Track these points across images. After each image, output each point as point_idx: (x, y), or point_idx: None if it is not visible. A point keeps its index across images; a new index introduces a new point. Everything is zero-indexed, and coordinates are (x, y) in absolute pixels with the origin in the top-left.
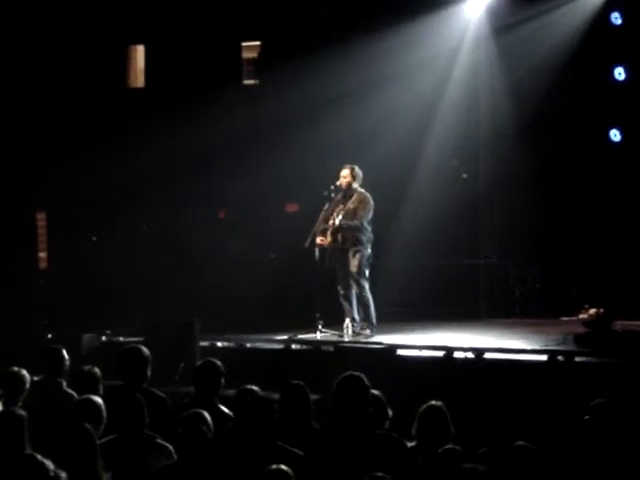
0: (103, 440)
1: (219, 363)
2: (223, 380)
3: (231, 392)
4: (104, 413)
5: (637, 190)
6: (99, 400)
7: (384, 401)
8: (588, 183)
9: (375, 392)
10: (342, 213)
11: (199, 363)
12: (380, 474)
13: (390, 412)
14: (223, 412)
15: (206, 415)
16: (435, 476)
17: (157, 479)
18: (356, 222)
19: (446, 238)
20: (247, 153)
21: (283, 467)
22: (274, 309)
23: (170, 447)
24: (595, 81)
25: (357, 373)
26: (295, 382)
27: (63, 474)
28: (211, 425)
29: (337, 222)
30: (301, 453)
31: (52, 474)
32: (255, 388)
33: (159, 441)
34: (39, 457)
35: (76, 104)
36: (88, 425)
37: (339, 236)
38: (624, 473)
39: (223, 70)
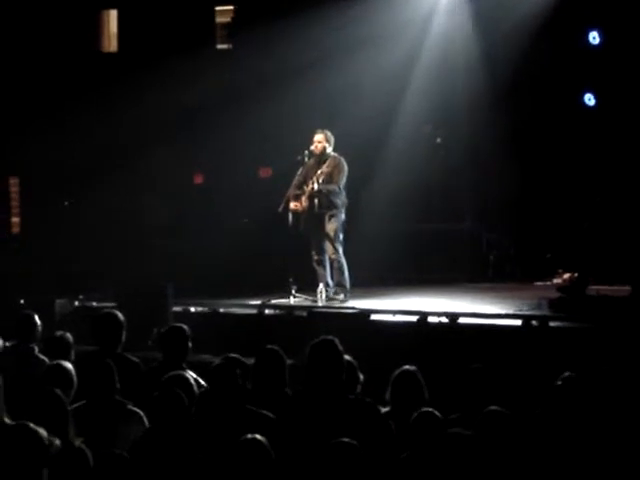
0: (74, 406)
1: (186, 328)
2: (190, 345)
3: (206, 357)
4: (74, 378)
5: (611, 154)
6: (69, 365)
7: (355, 366)
8: (562, 147)
9: (346, 357)
10: (321, 177)
11: (165, 329)
12: (346, 439)
13: (361, 377)
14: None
15: (188, 376)
16: (409, 440)
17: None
18: (334, 186)
19: (420, 203)
20: (220, 118)
21: (257, 436)
22: (247, 274)
23: (141, 413)
24: (569, 45)
25: (330, 337)
26: (270, 347)
27: (57, 441)
28: (195, 387)
29: (316, 186)
30: (272, 416)
31: (46, 442)
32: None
33: (130, 407)
34: (32, 425)
35: (49, 69)
36: (58, 390)
37: (315, 200)
38: (596, 437)
39: (196, 35)
